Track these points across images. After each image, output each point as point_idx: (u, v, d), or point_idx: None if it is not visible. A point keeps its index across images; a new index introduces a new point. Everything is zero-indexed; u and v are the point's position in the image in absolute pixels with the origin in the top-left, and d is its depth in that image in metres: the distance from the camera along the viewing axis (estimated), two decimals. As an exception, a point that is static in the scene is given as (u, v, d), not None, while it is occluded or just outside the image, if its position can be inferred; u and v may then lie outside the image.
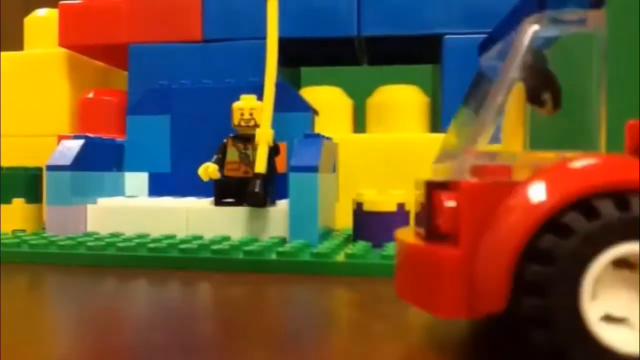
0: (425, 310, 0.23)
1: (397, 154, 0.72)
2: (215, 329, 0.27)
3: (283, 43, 0.75)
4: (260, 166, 0.48)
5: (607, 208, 0.22)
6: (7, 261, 0.43)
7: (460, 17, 0.72)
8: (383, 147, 0.73)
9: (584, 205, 0.22)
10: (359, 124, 0.80)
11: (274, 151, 0.50)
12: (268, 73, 0.51)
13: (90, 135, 0.58)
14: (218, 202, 0.51)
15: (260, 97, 0.51)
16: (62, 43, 0.81)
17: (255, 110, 0.50)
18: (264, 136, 0.49)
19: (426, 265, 0.23)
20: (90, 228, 0.52)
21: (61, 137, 0.79)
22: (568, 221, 0.22)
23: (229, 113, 0.51)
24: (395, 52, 0.83)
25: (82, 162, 0.52)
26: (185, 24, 0.78)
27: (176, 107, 0.59)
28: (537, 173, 0.23)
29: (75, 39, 0.81)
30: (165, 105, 0.59)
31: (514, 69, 0.25)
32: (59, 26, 0.81)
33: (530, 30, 0.26)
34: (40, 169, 0.54)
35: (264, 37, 0.52)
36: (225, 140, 0.51)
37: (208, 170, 0.50)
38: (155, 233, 0.50)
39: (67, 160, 0.51)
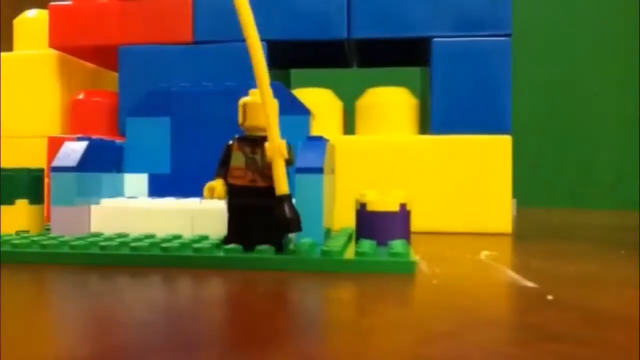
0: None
1: (387, 155, 0.74)
2: (224, 326, 0.28)
3: (273, 45, 0.76)
4: (283, 186, 0.42)
5: None
6: (19, 262, 0.44)
7: (449, 21, 0.75)
8: (372, 148, 0.75)
9: None
10: (349, 125, 0.82)
11: (288, 163, 0.44)
12: (260, 78, 0.43)
13: (93, 136, 0.59)
14: (227, 241, 0.45)
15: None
16: (52, 44, 0.82)
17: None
18: (277, 150, 0.42)
19: None
20: (93, 229, 0.52)
21: (51, 139, 0.79)
22: None
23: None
24: (384, 55, 0.85)
25: (86, 163, 0.53)
26: (175, 26, 0.79)
27: (176, 109, 0.60)
28: None
29: (66, 40, 0.81)
30: (165, 107, 0.60)
31: None
32: (49, 27, 0.81)
33: None
34: (42, 170, 0.55)
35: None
36: (230, 142, 0.46)
37: (214, 192, 0.44)
38: (160, 233, 0.51)
39: (72, 162, 0.51)
